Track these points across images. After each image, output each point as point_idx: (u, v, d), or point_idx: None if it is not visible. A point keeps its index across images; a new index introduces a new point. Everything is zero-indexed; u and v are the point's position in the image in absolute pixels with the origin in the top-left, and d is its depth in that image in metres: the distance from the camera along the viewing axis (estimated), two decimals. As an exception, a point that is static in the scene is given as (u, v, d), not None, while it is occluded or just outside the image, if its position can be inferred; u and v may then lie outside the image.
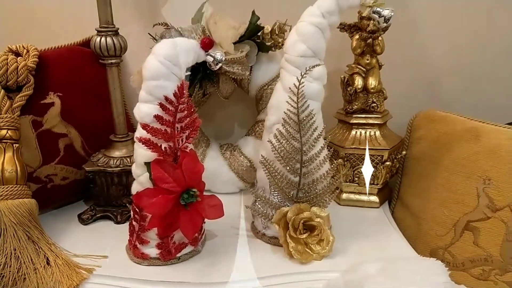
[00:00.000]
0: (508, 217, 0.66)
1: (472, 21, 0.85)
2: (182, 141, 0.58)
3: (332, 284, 0.56)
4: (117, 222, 0.73)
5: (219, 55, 0.62)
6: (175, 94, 0.56)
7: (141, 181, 0.59)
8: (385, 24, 0.64)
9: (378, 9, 0.63)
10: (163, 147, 0.56)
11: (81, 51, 0.80)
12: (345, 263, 0.61)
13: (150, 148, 0.56)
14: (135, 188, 0.60)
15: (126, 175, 0.71)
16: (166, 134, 0.56)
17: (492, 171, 0.69)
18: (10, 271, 0.56)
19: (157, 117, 0.56)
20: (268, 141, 0.62)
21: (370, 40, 0.75)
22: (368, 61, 0.77)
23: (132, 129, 0.82)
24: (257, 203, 0.67)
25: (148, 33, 0.77)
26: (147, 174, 0.57)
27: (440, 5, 0.84)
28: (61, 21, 0.87)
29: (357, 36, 0.76)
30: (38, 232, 0.61)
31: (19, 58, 0.69)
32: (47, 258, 0.60)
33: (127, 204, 0.70)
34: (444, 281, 0.56)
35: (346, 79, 0.78)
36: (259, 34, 0.77)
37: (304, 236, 0.63)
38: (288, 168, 0.62)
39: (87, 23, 0.84)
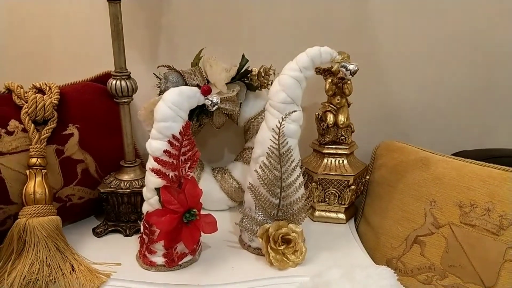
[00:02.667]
0: (448, 233, 0.77)
1: (428, 66, 0.98)
2: (185, 170, 0.71)
3: (303, 286, 0.69)
4: (126, 235, 0.84)
5: (215, 99, 0.75)
6: (180, 133, 0.69)
7: (151, 203, 0.71)
8: (350, 77, 0.78)
9: (345, 64, 0.76)
10: (170, 176, 0.69)
11: (94, 87, 0.90)
12: (315, 269, 0.73)
13: (160, 177, 0.69)
14: (145, 208, 0.73)
15: (134, 196, 0.83)
16: (173, 165, 0.69)
17: (437, 195, 0.80)
18: (43, 275, 0.68)
19: (166, 152, 0.69)
20: (254, 170, 0.75)
21: (340, 84, 0.89)
22: (338, 101, 0.90)
23: (138, 155, 0.94)
24: (244, 220, 0.79)
25: (153, 73, 0.89)
26: (157, 197, 0.70)
27: (402, 54, 0.98)
28: (73, 60, 0.98)
29: (329, 80, 0.89)
30: (64, 243, 0.73)
31: (45, 96, 0.79)
32: (72, 265, 0.71)
33: (138, 221, 0.83)
34: (392, 284, 0.69)
35: (320, 115, 0.91)
36: (248, 76, 0.89)
37: (282, 247, 0.75)
38: (270, 192, 0.75)
39: (97, 61, 0.96)
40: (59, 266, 0.70)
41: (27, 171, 0.75)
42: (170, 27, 0.97)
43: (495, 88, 1.01)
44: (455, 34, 0.96)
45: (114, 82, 0.80)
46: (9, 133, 0.75)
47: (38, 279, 0.68)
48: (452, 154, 0.90)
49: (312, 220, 0.93)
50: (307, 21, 0.96)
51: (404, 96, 1.02)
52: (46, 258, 0.70)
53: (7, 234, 0.72)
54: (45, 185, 0.75)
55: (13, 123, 0.76)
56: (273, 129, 0.73)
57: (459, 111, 1.02)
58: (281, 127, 0.72)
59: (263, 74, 0.89)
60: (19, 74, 0.96)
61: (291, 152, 0.74)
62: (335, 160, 0.91)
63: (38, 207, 0.73)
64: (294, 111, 0.73)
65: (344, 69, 0.77)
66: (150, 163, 0.70)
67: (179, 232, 0.70)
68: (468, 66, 0.99)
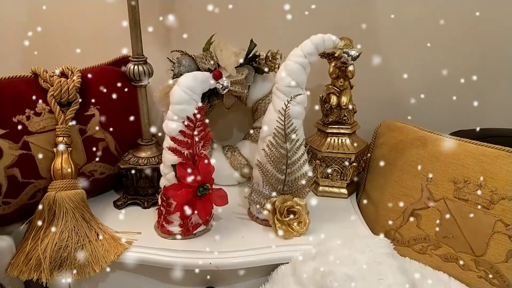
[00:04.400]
0: (442, 207, 0.83)
1: (428, 49, 1.02)
2: (199, 148, 0.77)
3: (306, 253, 0.75)
4: (144, 207, 0.91)
5: (226, 83, 0.80)
6: (194, 115, 0.75)
7: (168, 178, 0.78)
8: (352, 62, 0.83)
9: (346, 50, 0.81)
10: (185, 154, 0.75)
11: (112, 71, 0.95)
12: (317, 238, 0.80)
13: (176, 154, 0.75)
14: (163, 182, 0.80)
15: (151, 171, 0.90)
16: (188, 144, 0.75)
17: (433, 172, 0.85)
18: (72, 242, 0.76)
19: (181, 132, 0.75)
20: (262, 149, 0.81)
21: (343, 68, 0.93)
22: (341, 84, 0.94)
23: (153, 133, 1.00)
24: (253, 194, 0.86)
25: (167, 57, 0.94)
26: (173, 173, 0.76)
27: (403, 37, 1.02)
28: (92, 44, 1.02)
29: (333, 64, 0.93)
30: (89, 214, 0.81)
31: (68, 80, 0.84)
32: (97, 233, 0.79)
33: (156, 194, 0.90)
34: (387, 252, 0.76)
35: (324, 97, 0.96)
36: (256, 60, 0.93)
37: (288, 219, 0.82)
38: (276, 169, 0.81)
39: (114, 46, 1.00)
40: (86, 234, 0.78)
41: (54, 149, 0.82)
42: (183, 14, 1.01)
43: (493, 69, 1.04)
44: (454, 16, 0.99)
45: (132, 66, 0.86)
46: (37, 114, 0.82)
47: (67, 245, 0.75)
48: (450, 134, 0.94)
49: (316, 194, 0.99)
50: (313, 8, 0.99)
51: (405, 78, 1.04)
52: (74, 227, 0.77)
53: (38, 205, 0.79)
54: (71, 162, 0.81)
55: (40, 105, 0.82)
56: (279, 111, 0.79)
57: (458, 92, 1.05)
58: (286, 109, 0.78)
59: (270, 58, 0.93)
60: (42, 59, 1.01)
61: (296, 132, 0.80)
62: (338, 139, 0.96)
63: (65, 181, 0.80)
64: (299, 94, 0.79)
65: (346, 55, 0.82)
66: (167, 142, 0.76)
67: (194, 204, 0.77)
68: (467, 48, 1.02)
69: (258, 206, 0.85)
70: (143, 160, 0.90)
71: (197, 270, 0.77)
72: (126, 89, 0.93)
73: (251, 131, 1.02)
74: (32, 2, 1.02)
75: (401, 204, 0.89)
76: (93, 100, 0.89)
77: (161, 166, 0.80)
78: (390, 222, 0.89)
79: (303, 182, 0.83)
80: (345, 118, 0.96)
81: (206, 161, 0.78)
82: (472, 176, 0.82)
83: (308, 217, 0.84)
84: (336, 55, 0.82)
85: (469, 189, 0.82)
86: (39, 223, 0.77)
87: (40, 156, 0.81)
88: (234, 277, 0.80)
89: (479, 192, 0.81)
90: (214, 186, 0.81)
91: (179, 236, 0.81)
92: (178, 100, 0.74)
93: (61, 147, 0.81)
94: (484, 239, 0.79)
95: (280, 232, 0.81)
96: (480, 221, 0.80)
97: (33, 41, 1.02)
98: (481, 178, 0.81)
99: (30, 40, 1.02)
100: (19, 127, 0.79)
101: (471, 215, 0.80)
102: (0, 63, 1.03)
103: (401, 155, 0.92)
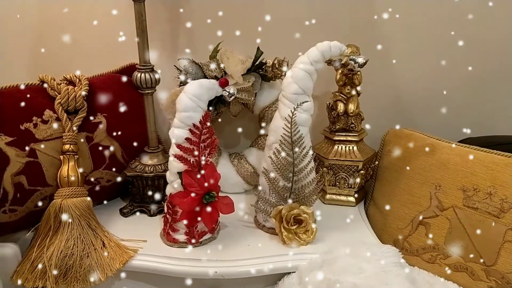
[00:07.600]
0: (451, 215, 0.82)
1: (435, 55, 1.01)
2: (205, 156, 0.77)
3: (313, 262, 0.75)
4: (151, 215, 0.91)
5: (232, 90, 0.81)
6: (200, 122, 0.75)
7: (174, 186, 0.78)
8: (359, 69, 0.82)
9: (353, 57, 0.82)
10: (191, 161, 0.75)
11: (119, 79, 0.95)
12: (324, 247, 0.79)
13: (182, 162, 0.75)
14: (169, 190, 0.79)
15: (158, 179, 0.90)
16: (193, 152, 0.76)
17: (442, 180, 0.84)
18: (77, 250, 0.75)
19: (187, 139, 0.75)
20: (268, 156, 0.81)
21: (350, 75, 0.92)
22: (348, 91, 0.94)
23: (159, 141, 1.00)
24: (259, 202, 0.85)
25: (174, 65, 0.94)
26: (179, 180, 0.76)
27: (409, 44, 1.01)
28: (100, 52, 1.04)
29: (340, 71, 0.93)
30: (95, 222, 0.80)
31: (75, 87, 0.85)
32: (103, 241, 0.79)
33: (162, 202, 0.90)
34: (395, 262, 0.75)
35: (331, 104, 0.96)
36: (263, 67, 0.93)
37: (294, 227, 0.81)
38: (283, 176, 0.81)
39: (121, 54, 1.01)
40: (91, 242, 0.78)
41: (61, 157, 0.82)
42: (190, 22, 1.01)
43: (502, 76, 1.03)
44: (461, 22, 0.99)
45: (139, 74, 0.86)
46: (44, 122, 0.82)
47: (73, 253, 0.75)
48: (459, 141, 0.93)
49: (323, 202, 0.99)
50: (319, 16, 0.99)
51: (413, 85, 1.05)
52: (80, 235, 0.77)
53: (44, 213, 0.79)
54: (77, 169, 0.81)
55: (47, 113, 0.82)
56: (285, 118, 0.78)
57: (466, 99, 1.05)
58: (293, 116, 0.77)
59: (277, 66, 0.93)
60: (51, 67, 1.02)
61: (302, 139, 0.80)
62: (345, 147, 0.96)
63: (71, 189, 0.80)
64: (305, 102, 0.78)
65: (352, 62, 0.82)
66: (173, 150, 0.76)
67: (200, 212, 0.77)
68: (476, 57, 1.01)
69: (264, 214, 0.84)
70: (149, 168, 0.90)
71: (202, 279, 0.76)
72: (133, 97, 0.93)
73: (258, 139, 1.01)
74: (42, 12, 1.03)
75: (410, 212, 0.88)
76: (100, 108, 0.90)
77: (167, 174, 0.80)
78: (399, 231, 0.88)
79: (310, 189, 0.82)
80: (352, 125, 0.96)
81: (212, 168, 0.78)
82: (481, 184, 0.81)
83: (316, 225, 0.83)
84: (342, 62, 0.81)
85: (478, 197, 0.81)
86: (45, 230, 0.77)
87: (47, 163, 0.81)
88: (240, 286, 0.80)
89: (488, 200, 0.80)
90: (220, 194, 0.81)
91: (185, 244, 0.80)
92: (184, 107, 0.74)
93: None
94: (494, 248, 0.78)
95: (287, 241, 0.81)
96: (490, 230, 0.79)
97: (41, 50, 1.03)
98: (491, 186, 0.80)
99: (38, 48, 1.03)
100: (26, 134, 0.80)
101: (481, 224, 0.79)
102: (8, 71, 1.04)
103: (409, 163, 0.92)
